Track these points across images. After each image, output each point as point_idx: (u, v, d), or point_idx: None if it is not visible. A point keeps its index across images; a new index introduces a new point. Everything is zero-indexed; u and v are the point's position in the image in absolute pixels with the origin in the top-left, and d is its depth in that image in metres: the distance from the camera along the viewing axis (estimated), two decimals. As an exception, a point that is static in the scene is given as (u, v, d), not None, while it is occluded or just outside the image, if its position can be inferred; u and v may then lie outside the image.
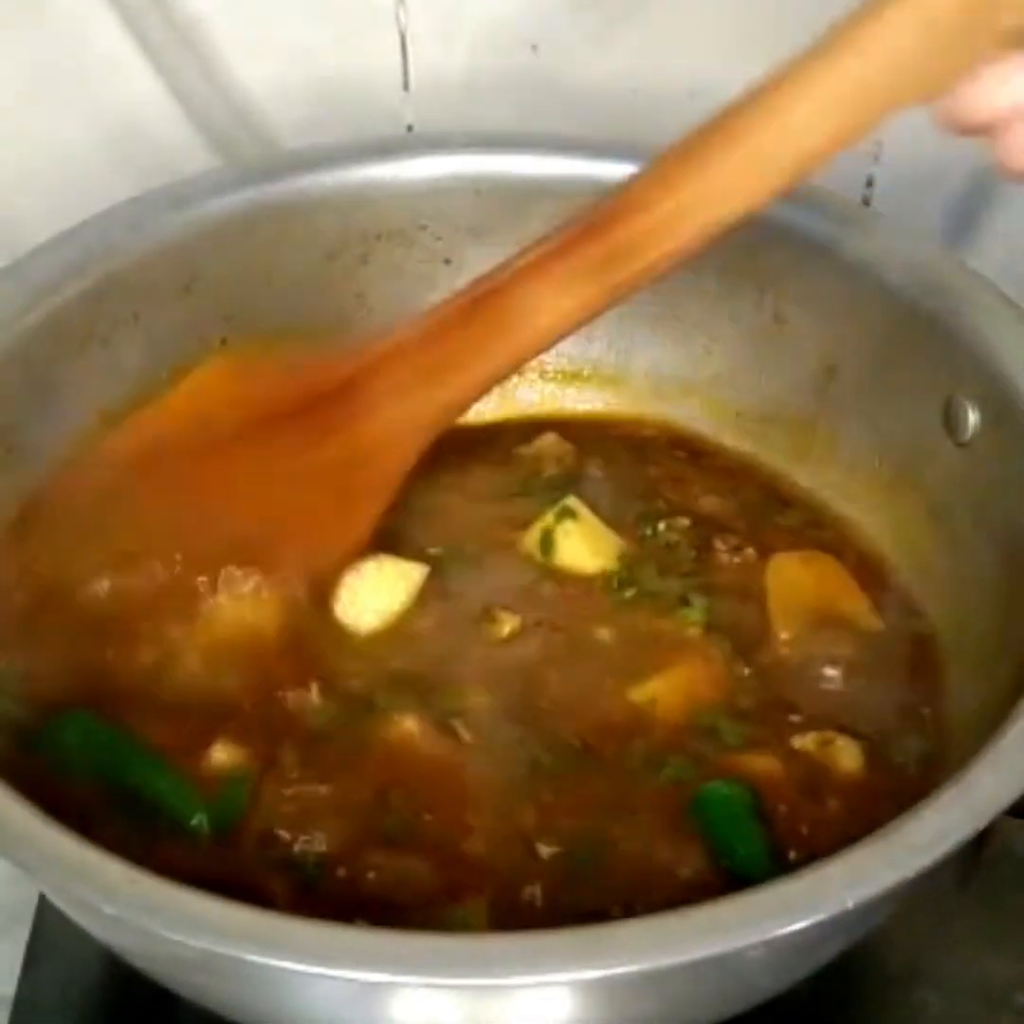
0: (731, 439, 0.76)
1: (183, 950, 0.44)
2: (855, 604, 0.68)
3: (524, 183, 0.75)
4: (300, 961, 0.42)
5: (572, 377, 0.79)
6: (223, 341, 0.74)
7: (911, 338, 0.68)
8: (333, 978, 0.43)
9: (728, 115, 0.56)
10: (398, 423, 0.64)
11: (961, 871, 0.73)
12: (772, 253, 0.73)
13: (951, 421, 0.67)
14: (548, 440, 0.75)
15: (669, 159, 0.57)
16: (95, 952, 0.68)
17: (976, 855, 0.73)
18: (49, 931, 0.70)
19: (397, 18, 0.82)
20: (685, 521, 0.70)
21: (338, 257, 0.76)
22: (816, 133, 0.54)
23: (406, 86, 0.84)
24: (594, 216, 0.60)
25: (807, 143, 0.54)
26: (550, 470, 0.74)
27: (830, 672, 0.65)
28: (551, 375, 0.79)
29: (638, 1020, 0.50)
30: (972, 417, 0.66)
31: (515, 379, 0.79)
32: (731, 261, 0.73)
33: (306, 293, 0.75)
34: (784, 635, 0.66)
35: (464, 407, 0.65)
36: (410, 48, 0.83)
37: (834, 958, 0.62)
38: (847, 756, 0.61)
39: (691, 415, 0.76)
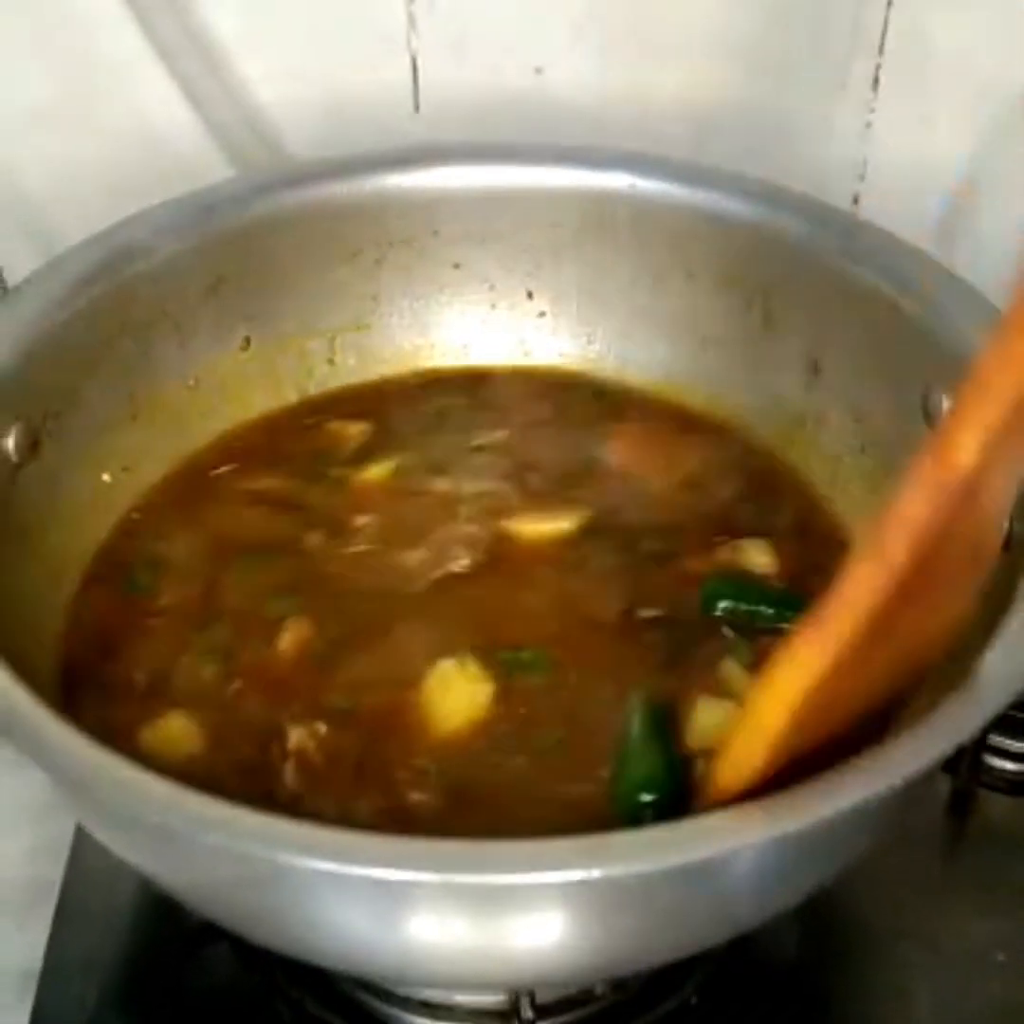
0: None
1: (219, 858, 0.48)
2: None
3: (529, 192, 0.79)
4: (328, 860, 0.46)
5: (573, 377, 0.82)
6: (246, 339, 0.77)
7: (891, 335, 0.71)
8: (357, 877, 0.46)
9: None
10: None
11: (947, 843, 0.77)
12: (762, 259, 0.76)
13: (929, 410, 0.70)
14: None
15: None
16: (120, 925, 0.72)
17: (962, 829, 0.77)
18: (74, 905, 0.73)
19: (408, 43, 0.85)
20: None
21: (354, 261, 0.79)
22: None
23: (416, 107, 0.87)
24: None
25: None
26: None
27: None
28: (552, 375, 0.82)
29: (632, 943, 0.53)
30: (946, 404, 0.68)
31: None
32: (725, 268, 0.77)
33: (324, 295, 0.79)
34: None
35: None
36: (420, 71, 0.86)
37: (821, 915, 0.67)
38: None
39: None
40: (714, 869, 0.49)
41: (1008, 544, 0.60)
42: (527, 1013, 0.63)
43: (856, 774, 0.49)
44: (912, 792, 0.52)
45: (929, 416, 0.70)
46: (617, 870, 0.46)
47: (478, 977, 0.55)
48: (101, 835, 0.57)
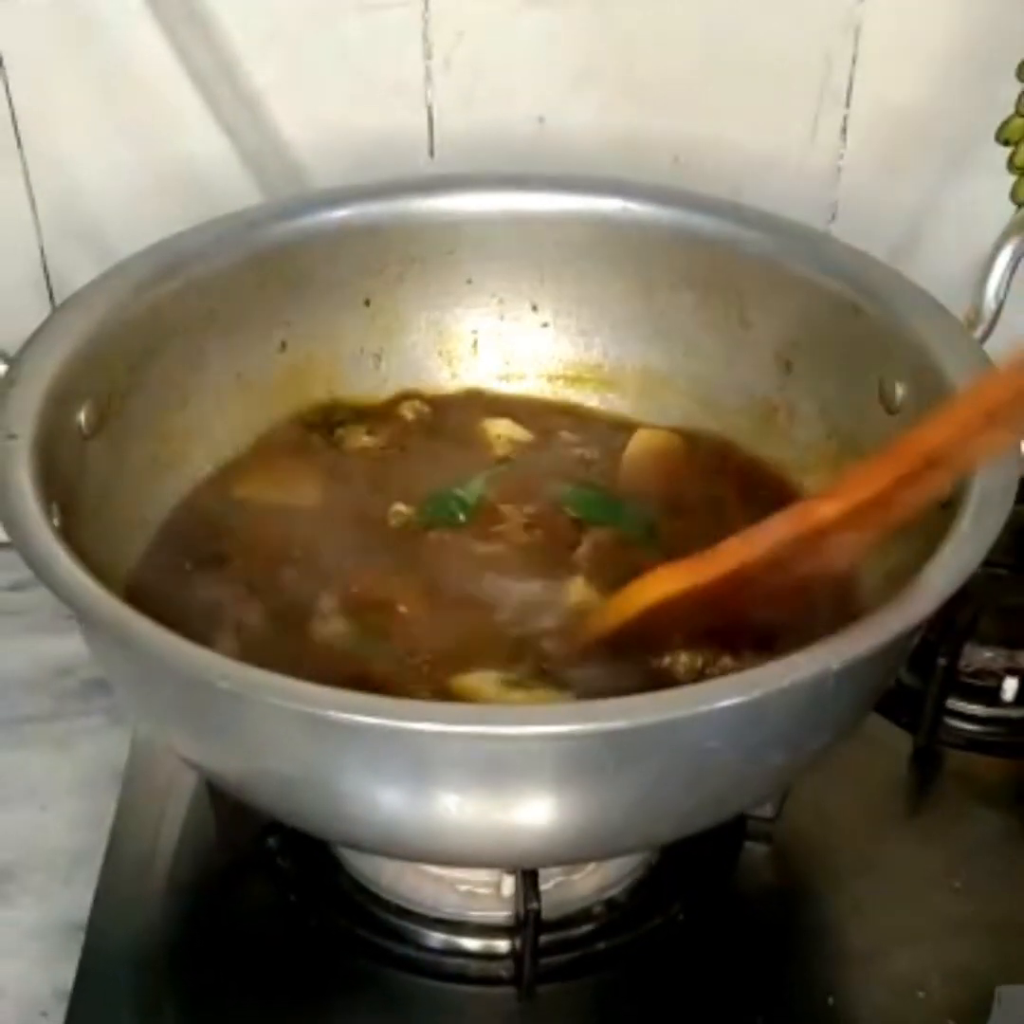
0: (707, 425, 0.85)
1: (273, 722, 0.56)
2: None
3: (533, 215, 0.84)
4: (368, 715, 0.54)
5: (573, 380, 0.88)
6: (283, 342, 0.84)
7: (851, 334, 0.78)
8: (389, 729, 0.55)
9: None
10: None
11: (910, 791, 0.84)
12: (738, 271, 0.82)
13: (884, 396, 0.76)
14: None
15: None
16: (163, 879, 0.78)
17: (923, 779, 0.84)
18: (118, 864, 0.79)
19: (425, 94, 0.90)
20: None
21: (378, 276, 0.84)
22: None
23: (432, 152, 0.91)
24: None
25: None
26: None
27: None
28: (557, 378, 0.89)
29: (622, 813, 0.61)
30: (900, 390, 0.75)
31: (522, 382, 0.89)
32: (706, 279, 0.83)
33: (351, 304, 0.85)
34: None
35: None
36: (435, 120, 0.90)
37: (795, 848, 0.74)
38: None
39: (674, 407, 0.86)
40: (689, 731, 0.56)
41: (948, 503, 0.68)
42: (530, 924, 0.70)
43: (806, 656, 0.57)
44: (857, 682, 0.60)
45: (885, 404, 0.77)
46: (607, 725, 0.55)
47: (488, 850, 0.63)
48: (163, 725, 0.65)
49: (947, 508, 0.67)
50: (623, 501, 0.80)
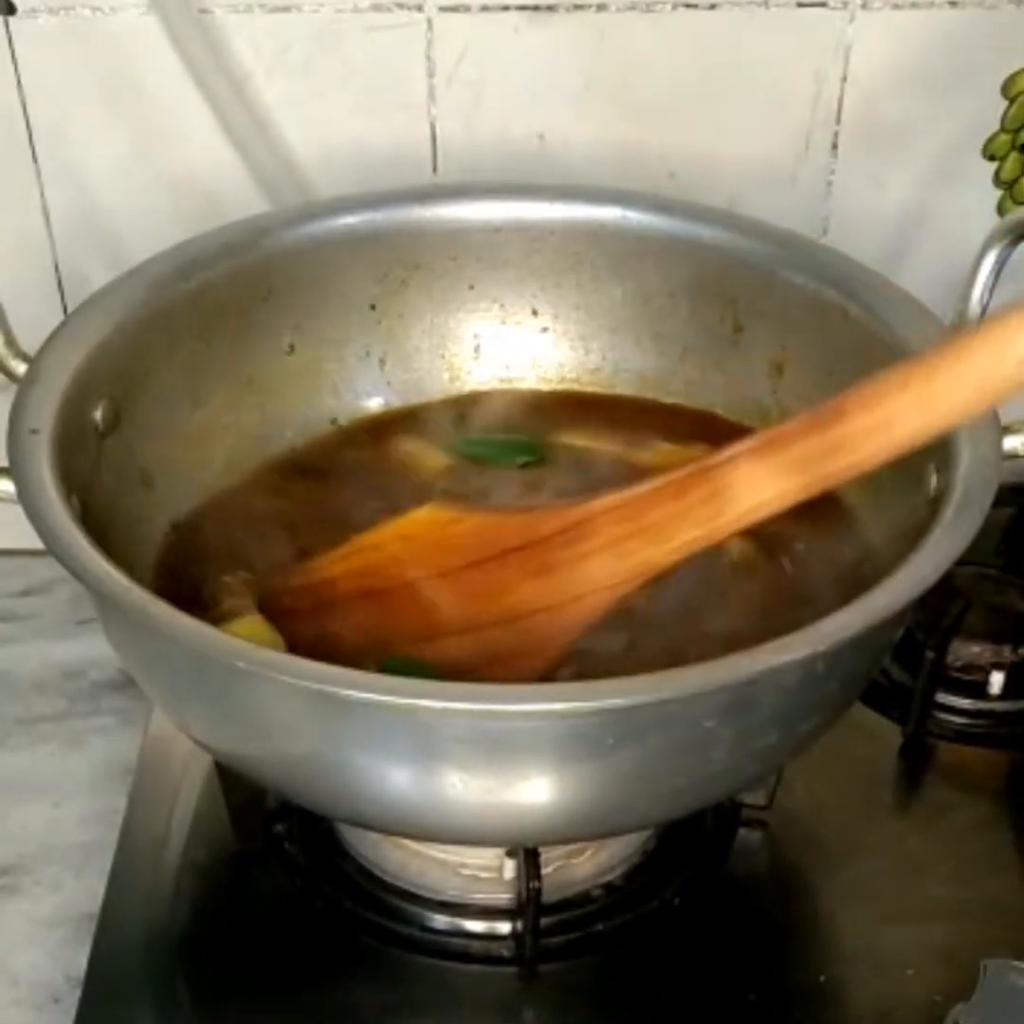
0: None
1: (285, 699, 0.58)
2: None
3: (534, 223, 0.86)
4: (376, 693, 0.57)
5: (572, 383, 0.90)
6: (291, 345, 0.86)
7: (841, 338, 0.79)
8: (401, 705, 0.57)
9: (954, 343, 0.59)
10: (596, 579, 0.66)
11: (900, 780, 0.86)
12: (733, 278, 0.84)
13: None
14: None
15: (898, 370, 0.61)
16: (172, 871, 0.79)
17: (913, 768, 0.86)
18: (130, 857, 0.80)
19: (428, 112, 0.91)
20: None
21: (384, 281, 0.86)
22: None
23: (435, 168, 0.93)
24: (816, 414, 0.62)
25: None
26: None
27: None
28: (554, 382, 0.91)
29: (620, 791, 0.63)
30: None
31: (522, 384, 0.91)
32: (701, 286, 0.85)
33: (357, 310, 0.87)
34: None
35: (661, 570, 0.66)
36: (438, 137, 0.92)
37: (789, 833, 0.77)
38: None
39: (669, 410, 0.87)
40: (686, 709, 0.59)
41: (935, 498, 0.70)
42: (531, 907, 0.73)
43: (796, 639, 0.60)
44: (845, 665, 0.62)
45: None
46: (607, 703, 0.57)
47: (491, 826, 0.65)
48: (178, 706, 0.67)
49: (934, 502, 0.69)
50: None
